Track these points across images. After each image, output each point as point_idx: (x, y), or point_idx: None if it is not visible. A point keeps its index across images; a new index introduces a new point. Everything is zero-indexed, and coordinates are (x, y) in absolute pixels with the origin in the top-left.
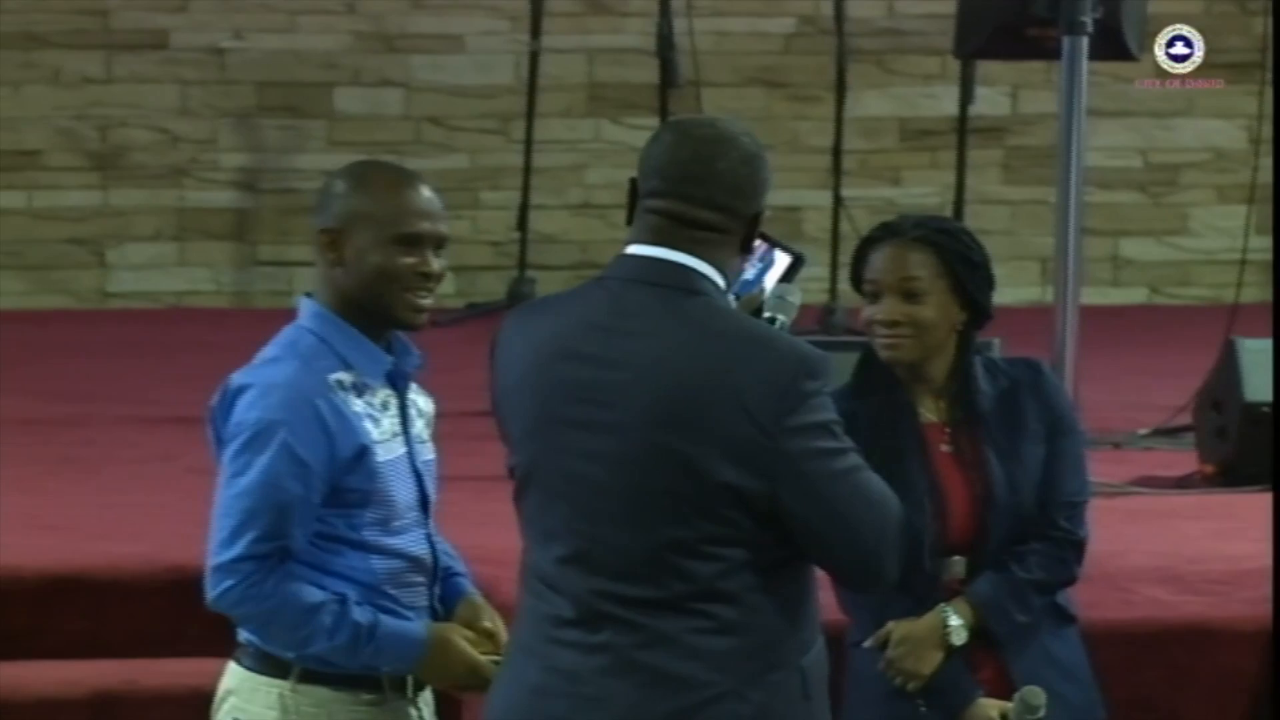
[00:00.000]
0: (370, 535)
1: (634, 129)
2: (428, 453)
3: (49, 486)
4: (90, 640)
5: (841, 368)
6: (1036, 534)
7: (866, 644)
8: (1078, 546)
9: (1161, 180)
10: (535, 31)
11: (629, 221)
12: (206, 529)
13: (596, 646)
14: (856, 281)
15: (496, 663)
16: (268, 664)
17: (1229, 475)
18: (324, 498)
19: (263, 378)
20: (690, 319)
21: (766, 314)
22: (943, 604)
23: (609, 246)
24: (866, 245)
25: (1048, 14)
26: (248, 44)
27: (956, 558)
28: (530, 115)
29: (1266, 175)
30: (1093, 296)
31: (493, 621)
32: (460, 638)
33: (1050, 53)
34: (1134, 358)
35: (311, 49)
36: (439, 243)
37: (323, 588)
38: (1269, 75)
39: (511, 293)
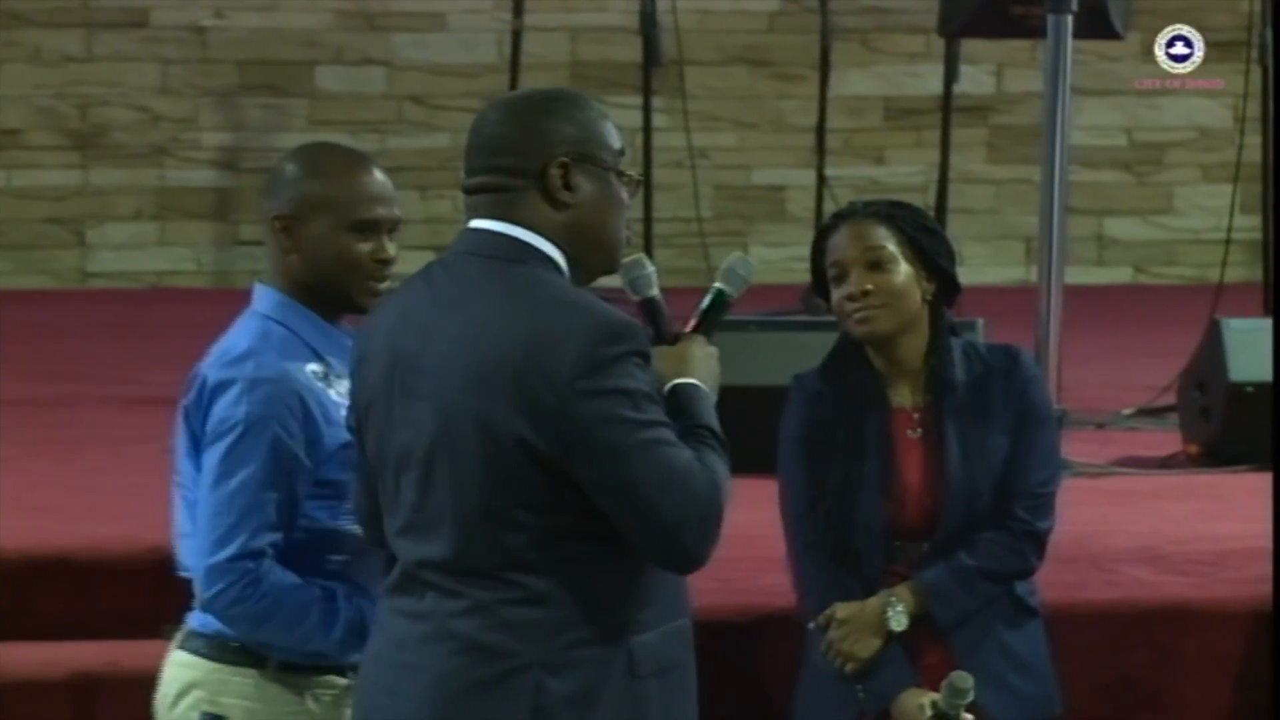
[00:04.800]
0: (345, 524)
1: (617, 107)
2: None
3: (30, 467)
4: (71, 621)
5: (822, 349)
6: (993, 523)
7: (811, 625)
8: (1036, 538)
9: (1146, 159)
10: (518, 9)
11: None
12: None
13: (420, 614)
14: (818, 275)
15: None
16: (242, 655)
17: (1213, 455)
18: (310, 491)
19: (245, 372)
20: (505, 286)
21: (716, 284)
22: (887, 589)
23: None
24: (822, 234)
25: None
26: (229, 22)
27: (912, 544)
28: None
29: (1252, 154)
30: (1077, 276)
31: None
32: None
33: (1035, 31)
34: (1118, 337)
35: (293, 27)
36: (393, 227)
37: (309, 581)
38: (1254, 53)
39: None
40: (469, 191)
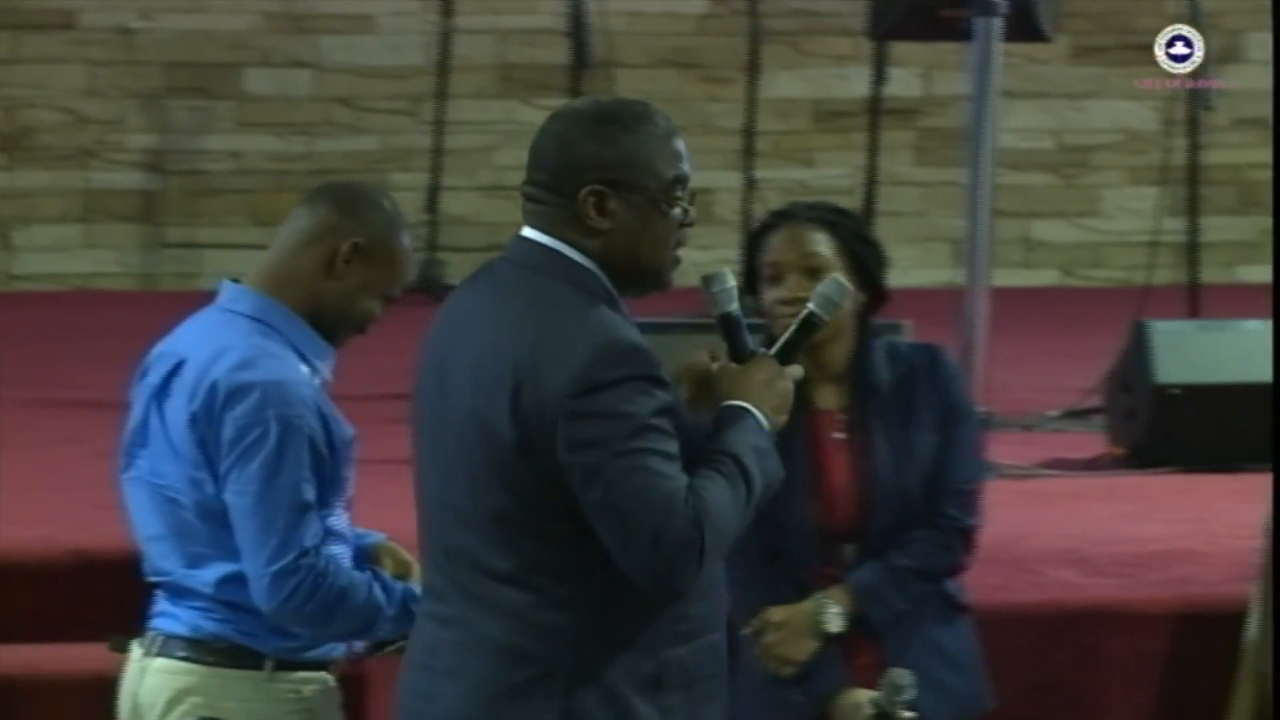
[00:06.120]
0: (335, 523)
1: (545, 110)
2: None
3: None
4: None
5: None
6: (924, 521)
7: (745, 630)
8: (966, 534)
9: (1073, 162)
10: (446, 11)
11: None
12: (110, 512)
13: (448, 619)
14: (750, 273)
15: None
16: (239, 656)
17: (1138, 457)
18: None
19: (260, 376)
20: (528, 298)
21: (809, 306)
22: (820, 592)
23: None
24: (761, 232)
25: None
26: (156, 24)
27: (844, 545)
28: (441, 96)
29: (1178, 157)
30: (1004, 278)
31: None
32: None
33: (963, 34)
34: (1045, 340)
35: (220, 29)
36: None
37: None
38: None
39: (422, 275)
40: (522, 195)
